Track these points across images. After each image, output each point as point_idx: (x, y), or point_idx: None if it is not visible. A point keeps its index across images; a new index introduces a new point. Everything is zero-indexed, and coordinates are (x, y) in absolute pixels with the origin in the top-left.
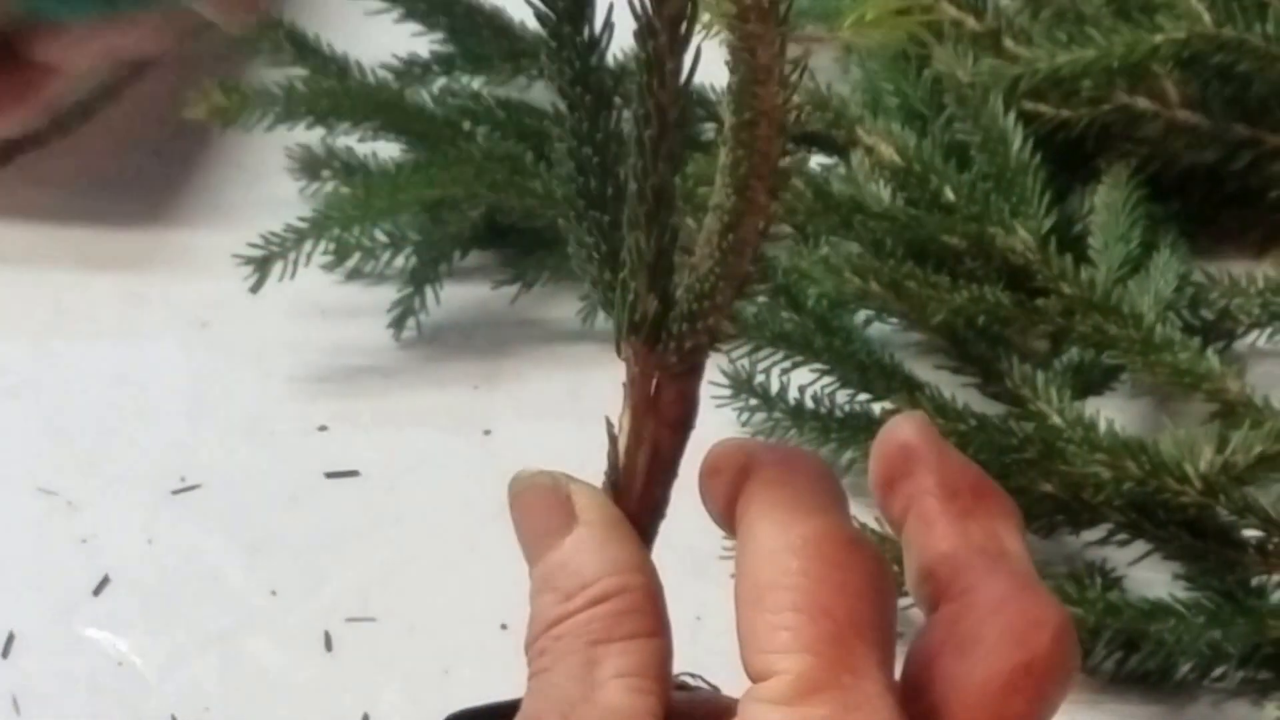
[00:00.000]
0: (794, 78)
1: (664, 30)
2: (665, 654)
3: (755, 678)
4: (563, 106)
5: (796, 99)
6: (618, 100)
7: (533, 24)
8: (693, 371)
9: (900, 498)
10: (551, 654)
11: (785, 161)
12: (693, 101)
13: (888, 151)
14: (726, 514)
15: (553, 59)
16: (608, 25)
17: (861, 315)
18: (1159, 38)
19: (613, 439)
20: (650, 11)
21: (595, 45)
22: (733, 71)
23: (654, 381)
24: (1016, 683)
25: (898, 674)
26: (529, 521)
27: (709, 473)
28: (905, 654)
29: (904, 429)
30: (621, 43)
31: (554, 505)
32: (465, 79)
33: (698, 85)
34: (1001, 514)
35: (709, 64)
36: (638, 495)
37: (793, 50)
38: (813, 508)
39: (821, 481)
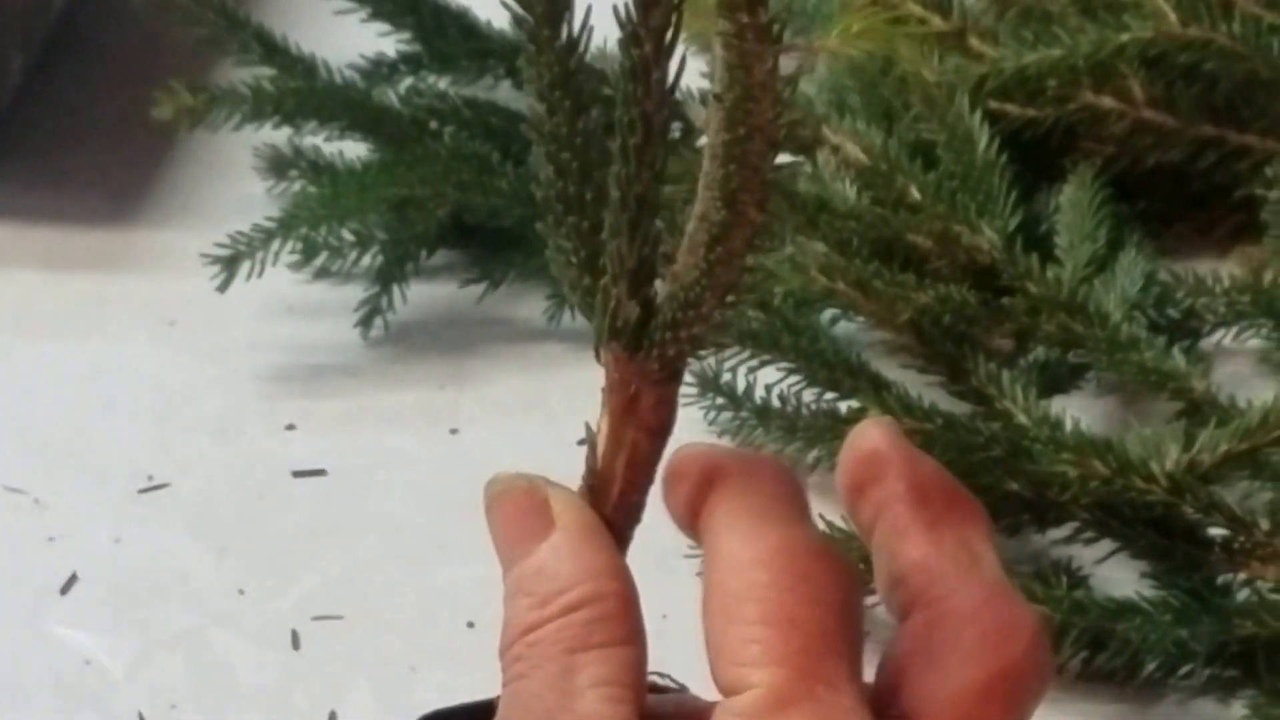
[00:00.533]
0: (786, 94)
1: (649, 39)
2: (641, 661)
3: (726, 691)
4: (541, 110)
5: (788, 115)
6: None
7: (499, 24)
8: (673, 378)
9: (870, 504)
10: (527, 661)
11: (774, 175)
12: (675, 109)
13: (853, 150)
14: (689, 520)
15: (531, 62)
16: (586, 27)
17: (828, 314)
18: (1125, 36)
19: (591, 444)
20: (636, 20)
21: (574, 48)
22: (725, 87)
23: (633, 387)
24: (991, 690)
25: (868, 677)
26: (505, 525)
27: (672, 478)
28: (877, 660)
29: (872, 434)
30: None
31: (531, 509)
32: (432, 78)
33: None
34: (972, 520)
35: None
36: (615, 500)
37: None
38: (779, 518)
39: (786, 489)
